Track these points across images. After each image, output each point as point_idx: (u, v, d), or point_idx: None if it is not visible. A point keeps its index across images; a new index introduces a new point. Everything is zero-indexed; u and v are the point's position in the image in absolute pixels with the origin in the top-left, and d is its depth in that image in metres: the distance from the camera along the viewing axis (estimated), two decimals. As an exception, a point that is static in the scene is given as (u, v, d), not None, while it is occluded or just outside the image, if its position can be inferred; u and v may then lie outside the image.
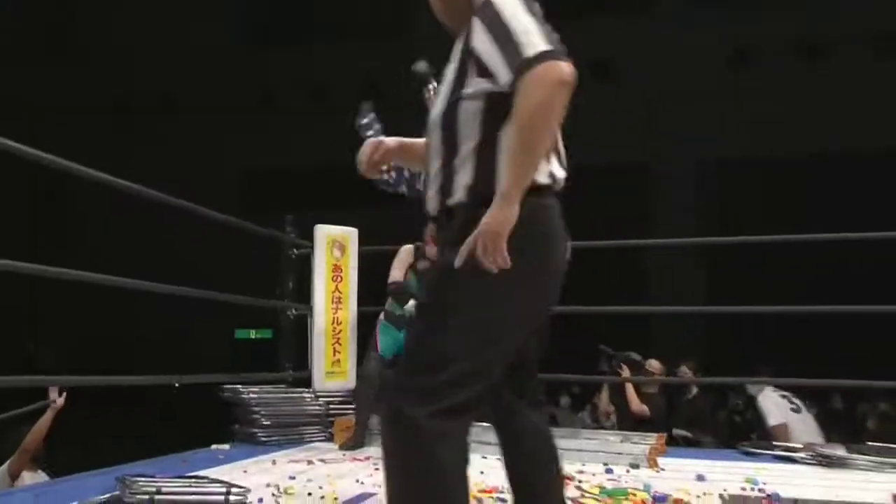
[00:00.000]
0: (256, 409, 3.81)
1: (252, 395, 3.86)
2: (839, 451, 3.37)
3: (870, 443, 3.68)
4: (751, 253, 8.91)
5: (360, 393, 3.84)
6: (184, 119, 13.36)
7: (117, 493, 2.16)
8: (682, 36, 11.56)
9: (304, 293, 4.27)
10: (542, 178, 1.55)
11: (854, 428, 6.99)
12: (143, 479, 2.19)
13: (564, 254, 1.61)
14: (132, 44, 13.35)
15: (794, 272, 8.70)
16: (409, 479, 1.47)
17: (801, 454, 3.45)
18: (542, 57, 1.43)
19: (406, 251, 3.88)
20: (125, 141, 12.77)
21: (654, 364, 4.97)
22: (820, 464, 3.33)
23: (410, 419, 1.43)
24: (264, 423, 3.78)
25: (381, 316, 3.85)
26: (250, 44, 13.71)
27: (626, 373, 4.78)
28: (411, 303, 3.75)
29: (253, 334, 11.03)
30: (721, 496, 2.63)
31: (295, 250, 4.27)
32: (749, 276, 9.04)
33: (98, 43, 13.90)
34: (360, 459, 3.42)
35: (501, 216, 1.42)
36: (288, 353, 4.32)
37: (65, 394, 3.89)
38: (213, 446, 3.54)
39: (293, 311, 4.34)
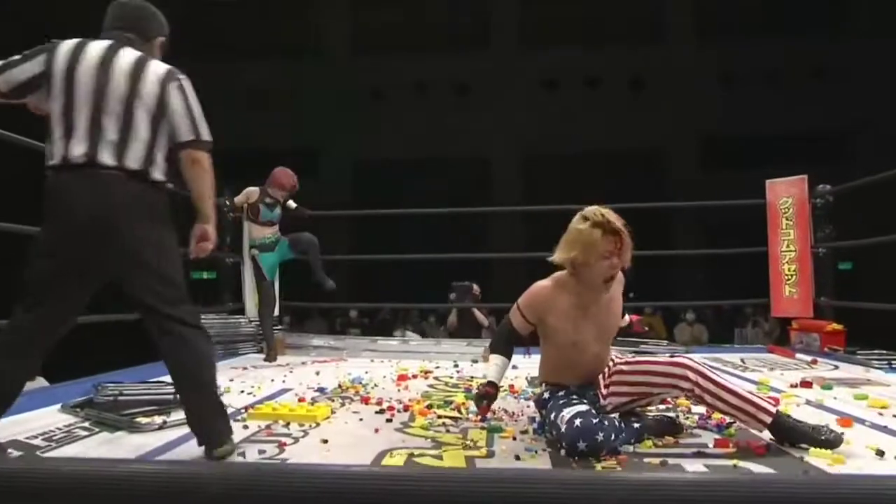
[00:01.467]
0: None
1: (201, 321, 3.71)
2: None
3: (617, 338, 4.04)
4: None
5: (264, 316, 3.68)
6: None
7: (91, 396, 2.05)
8: (516, 68, 11.77)
9: (237, 246, 4.12)
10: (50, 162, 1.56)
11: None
12: (111, 384, 2.08)
13: (73, 211, 1.52)
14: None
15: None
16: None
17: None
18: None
19: (251, 192, 3.72)
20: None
21: (476, 287, 5.14)
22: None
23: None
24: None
25: (253, 250, 3.69)
26: None
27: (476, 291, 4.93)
28: (275, 229, 3.73)
29: (205, 275, 10.52)
30: (526, 378, 2.78)
31: (231, 214, 4.08)
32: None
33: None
34: (281, 366, 3.39)
35: None
36: (227, 290, 4.18)
37: None
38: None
39: (230, 259, 4.18)
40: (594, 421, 1.62)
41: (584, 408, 1.68)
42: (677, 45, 11.63)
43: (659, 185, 11.28)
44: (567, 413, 1.66)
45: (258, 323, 3.93)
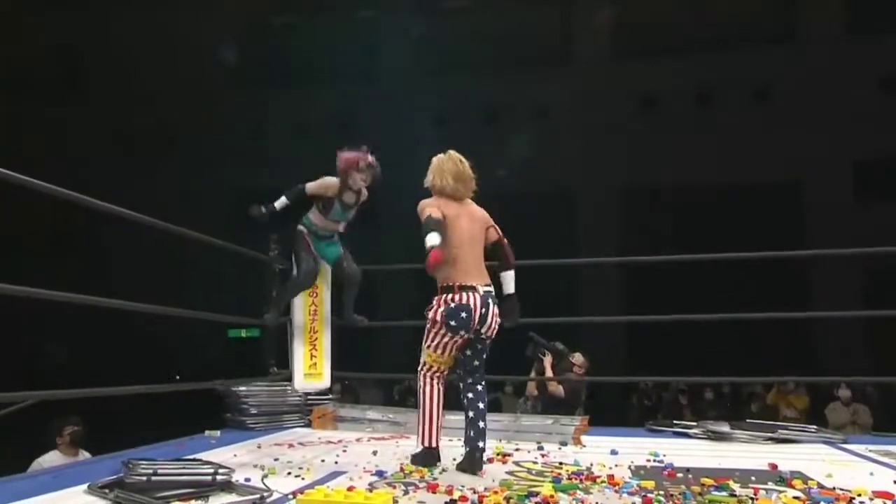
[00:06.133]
0: (245, 399, 3.82)
1: (241, 388, 3.87)
2: (724, 428, 3.51)
3: (749, 420, 3.85)
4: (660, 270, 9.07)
5: (290, 287, 3.78)
6: (183, 150, 13.24)
7: (122, 475, 2.17)
8: (605, 84, 11.84)
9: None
10: None
11: (738, 406, 7.33)
12: (144, 461, 2.20)
13: None
14: (135, 84, 13.26)
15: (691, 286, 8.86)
16: None
17: (695, 430, 3.59)
18: None
19: (331, 182, 3.51)
20: (131, 171, 12.56)
21: (578, 357, 5.00)
22: (709, 438, 3.47)
23: None
24: (252, 412, 3.79)
25: (302, 228, 3.62)
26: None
27: (548, 359, 4.77)
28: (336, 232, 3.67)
29: (244, 333, 10.94)
30: (629, 467, 2.74)
31: (278, 267, 4.28)
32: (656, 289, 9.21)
33: (102, 84, 13.77)
34: (333, 442, 3.45)
35: None
36: (271, 354, 4.35)
37: None
38: (207, 432, 3.54)
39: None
40: None
41: None
42: (817, 45, 11.18)
43: (796, 225, 10.81)
44: None
45: (307, 391, 4.05)
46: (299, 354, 4.15)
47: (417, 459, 2.73)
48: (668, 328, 8.21)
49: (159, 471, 2.09)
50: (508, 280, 2.91)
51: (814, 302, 9.59)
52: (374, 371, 7.49)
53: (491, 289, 2.86)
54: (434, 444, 2.75)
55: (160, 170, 12.65)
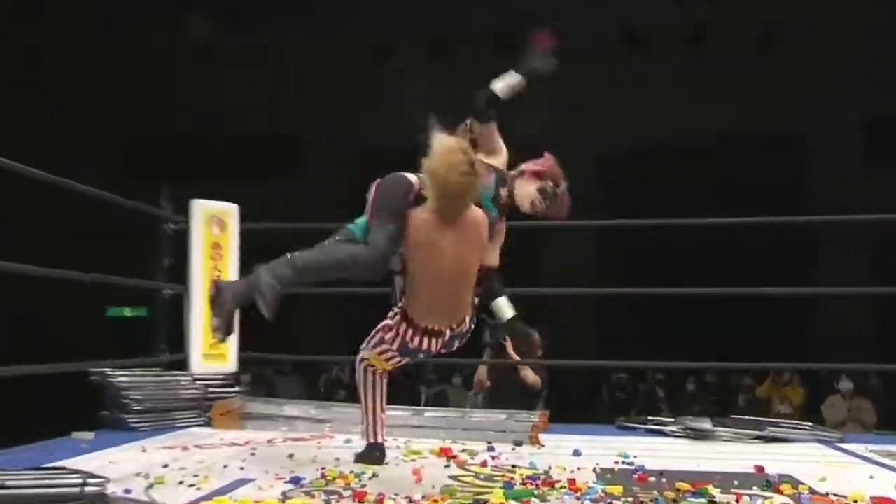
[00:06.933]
0: (127, 393, 3.72)
1: (122, 379, 3.77)
2: (705, 425, 3.63)
3: (734, 416, 4.00)
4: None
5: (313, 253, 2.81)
6: (60, 85, 12.76)
7: (-40, 487, 2.10)
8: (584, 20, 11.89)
9: (181, 271, 4.18)
10: None
11: (725, 399, 7.60)
12: (-9, 470, 2.13)
13: None
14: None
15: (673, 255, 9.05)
16: None
17: (672, 427, 3.71)
18: None
19: (503, 150, 2.98)
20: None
21: (535, 337, 5.06)
22: (688, 436, 3.58)
23: None
24: (135, 408, 3.69)
25: None
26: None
27: (509, 344, 4.80)
28: None
29: (127, 312, 10.65)
30: (594, 470, 2.80)
31: (171, 225, 4.17)
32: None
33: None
34: (238, 445, 3.42)
35: None
36: (163, 335, 4.25)
37: None
38: (74, 434, 3.44)
39: (168, 290, 4.26)
40: None
41: None
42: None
43: (797, 188, 11.17)
44: None
45: (207, 383, 3.98)
46: (197, 332, 4.08)
47: (362, 456, 2.92)
48: (647, 311, 8.42)
49: (8, 482, 2.02)
50: (503, 306, 2.90)
51: (815, 277, 9.97)
52: (294, 354, 7.43)
53: (465, 327, 2.81)
54: (379, 440, 2.93)
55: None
